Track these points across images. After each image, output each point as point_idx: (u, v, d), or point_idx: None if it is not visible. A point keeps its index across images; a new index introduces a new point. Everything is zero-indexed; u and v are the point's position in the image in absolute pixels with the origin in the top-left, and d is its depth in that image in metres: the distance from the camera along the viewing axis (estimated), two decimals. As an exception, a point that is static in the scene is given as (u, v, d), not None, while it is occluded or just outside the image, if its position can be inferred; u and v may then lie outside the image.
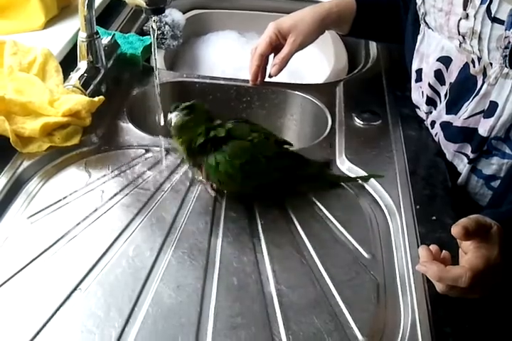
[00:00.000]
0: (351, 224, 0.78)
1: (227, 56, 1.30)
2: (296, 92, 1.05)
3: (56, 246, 0.72)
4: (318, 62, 1.29)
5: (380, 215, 0.80)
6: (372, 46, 1.20)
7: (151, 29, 0.88)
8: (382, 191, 0.82)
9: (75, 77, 0.90)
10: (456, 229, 0.62)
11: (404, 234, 0.75)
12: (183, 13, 1.32)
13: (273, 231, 0.76)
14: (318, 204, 0.81)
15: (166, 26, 1.22)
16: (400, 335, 0.63)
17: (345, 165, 0.87)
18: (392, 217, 0.79)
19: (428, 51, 0.89)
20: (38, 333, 0.62)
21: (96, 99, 0.88)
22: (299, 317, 0.65)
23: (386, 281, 0.71)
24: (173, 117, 0.80)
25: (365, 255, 0.74)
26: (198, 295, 0.67)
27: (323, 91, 1.04)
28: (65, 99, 0.86)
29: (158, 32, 1.21)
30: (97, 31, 0.92)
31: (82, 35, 0.91)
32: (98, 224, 0.76)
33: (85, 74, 0.91)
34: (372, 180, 0.83)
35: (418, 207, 0.79)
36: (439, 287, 0.64)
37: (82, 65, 0.92)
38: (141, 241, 0.74)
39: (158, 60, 1.14)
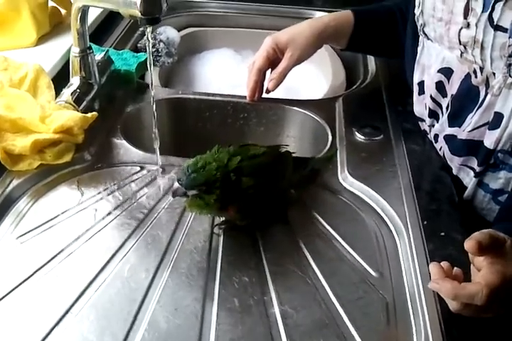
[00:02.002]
0: (356, 242, 0.74)
1: (223, 74, 1.28)
2: (295, 108, 1.02)
3: (47, 267, 0.68)
4: (315, 79, 1.27)
5: (386, 231, 0.77)
6: (371, 61, 1.18)
7: (146, 41, 0.85)
8: (387, 206, 0.79)
9: (67, 92, 0.87)
10: (469, 244, 0.59)
11: (413, 250, 0.72)
12: (178, 31, 1.30)
13: (275, 249, 0.73)
14: (321, 220, 0.78)
15: (161, 43, 1.20)
16: (414, 357, 0.60)
17: (347, 181, 0.84)
18: (399, 233, 0.75)
19: (429, 63, 0.87)
20: (26, 360, 0.57)
21: (89, 115, 0.85)
22: (305, 339, 0.61)
23: (396, 300, 0.67)
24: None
25: (373, 273, 0.70)
26: (198, 318, 0.63)
27: (322, 106, 1.02)
28: (57, 115, 0.83)
29: (153, 49, 1.19)
30: (90, 46, 0.89)
31: (75, 50, 0.88)
32: (91, 244, 0.72)
33: (78, 90, 0.88)
34: (377, 196, 0.80)
35: (425, 222, 0.76)
36: (453, 305, 0.61)
37: (75, 81, 0.90)
38: (136, 261, 0.70)
39: (153, 78, 1.12)
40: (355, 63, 1.26)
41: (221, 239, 0.74)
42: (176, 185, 0.68)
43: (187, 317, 0.63)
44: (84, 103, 0.90)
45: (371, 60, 1.19)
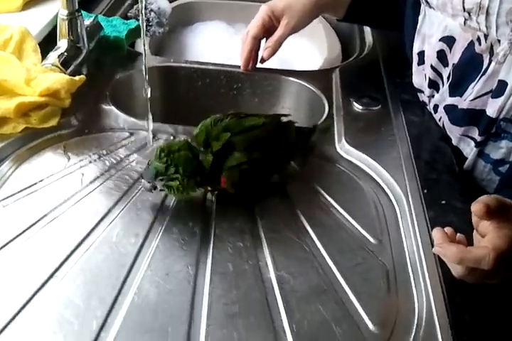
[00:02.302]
0: (355, 210, 0.72)
1: (215, 46, 1.24)
2: (291, 78, 0.99)
3: (31, 230, 0.65)
4: (309, 53, 1.24)
5: (385, 199, 0.74)
6: (368, 35, 1.15)
7: (138, 9, 0.82)
8: (386, 175, 0.76)
9: (53, 55, 0.83)
10: (476, 207, 0.56)
11: (413, 218, 0.69)
12: (170, 2, 1.26)
13: (271, 216, 0.70)
14: (320, 189, 0.75)
15: (152, 13, 1.16)
16: (415, 324, 0.57)
17: (345, 150, 0.81)
18: (398, 201, 0.73)
19: (430, 32, 0.84)
20: (9, 322, 0.54)
21: (76, 78, 0.81)
22: (302, 305, 0.58)
23: (396, 268, 0.64)
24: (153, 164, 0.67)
25: (372, 240, 0.68)
26: (190, 283, 0.60)
27: (318, 77, 0.99)
28: (43, 77, 0.79)
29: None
30: (78, 8, 0.85)
31: (63, 13, 0.84)
32: (77, 208, 0.69)
33: (65, 53, 0.84)
34: (375, 164, 0.78)
35: (425, 191, 0.73)
36: (458, 270, 0.58)
37: (62, 44, 0.86)
38: (125, 226, 0.67)
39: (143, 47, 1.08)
40: (351, 37, 1.23)
41: (214, 205, 0.71)
42: (142, 181, 0.67)
43: (179, 282, 0.60)
44: (72, 67, 0.86)
45: (368, 33, 1.15)
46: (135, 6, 1.19)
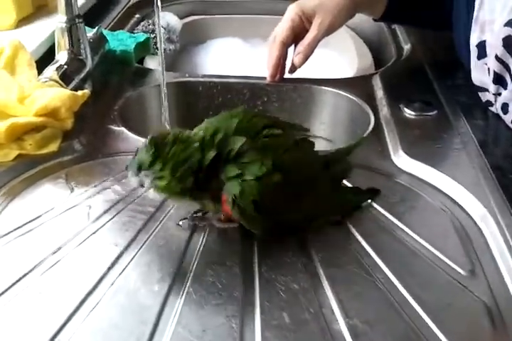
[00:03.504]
0: (431, 234, 0.57)
1: (231, 63, 1.13)
2: (325, 88, 0.86)
3: (27, 278, 0.50)
4: (338, 64, 1.12)
5: (467, 220, 0.59)
6: (404, 39, 1.03)
7: (155, 8, 0.69)
8: (462, 190, 0.62)
9: (51, 68, 0.71)
10: None
11: (508, 240, 0.54)
12: (180, 19, 1.16)
13: (327, 247, 0.55)
14: (380, 209, 0.60)
15: (161, 29, 1.05)
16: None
17: (403, 162, 0.67)
18: (485, 221, 0.58)
19: (491, 17, 0.71)
20: None
21: (79, 92, 0.69)
22: (390, 365, 0.43)
23: (498, 303, 0.49)
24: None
25: (461, 272, 0.52)
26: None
27: (357, 84, 0.87)
28: (39, 94, 0.67)
29: (152, 35, 1.03)
30: (79, 14, 0.73)
31: (61, 19, 0.72)
32: (84, 248, 0.55)
33: (65, 66, 0.72)
34: (445, 177, 0.64)
35: (515, 207, 0.59)
36: None
37: (61, 56, 0.73)
38: (145, 269, 0.52)
39: (152, 65, 0.97)
40: (382, 44, 1.11)
41: (255, 236, 0.57)
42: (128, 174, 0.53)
43: (221, 341, 0.45)
44: (74, 83, 0.73)
45: (404, 38, 1.03)
46: (142, 23, 1.08)
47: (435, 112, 0.76)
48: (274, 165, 0.51)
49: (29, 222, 0.58)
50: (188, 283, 0.51)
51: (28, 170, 0.65)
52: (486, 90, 0.76)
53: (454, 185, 0.63)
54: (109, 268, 0.52)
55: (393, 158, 0.69)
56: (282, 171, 0.51)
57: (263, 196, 0.50)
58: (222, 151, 0.51)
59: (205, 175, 0.51)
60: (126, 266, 0.53)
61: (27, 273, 0.51)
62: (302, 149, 0.57)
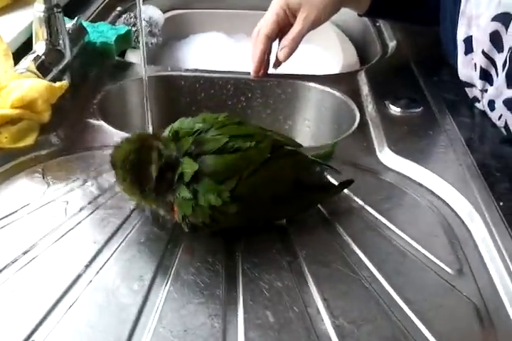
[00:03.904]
0: (418, 232, 0.56)
1: (214, 58, 1.11)
2: (310, 84, 0.85)
3: (0, 276, 0.48)
4: (323, 60, 1.11)
5: (454, 218, 0.59)
6: (389, 36, 1.01)
7: (130, 16, 0.68)
8: (448, 187, 0.61)
9: (29, 58, 0.68)
10: None
11: (495, 238, 0.54)
12: (163, 12, 1.13)
13: (312, 244, 0.54)
14: (368, 208, 0.59)
15: (143, 22, 1.02)
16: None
17: (390, 159, 0.66)
18: (472, 218, 0.57)
19: (478, 11, 0.70)
20: None
21: (57, 84, 0.66)
22: (378, 366, 0.42)
23: (486, 303, 0.48)
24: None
25: (449, 270, 0.52)
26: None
27: (342, 81, 0.85)
28: (15, 85, 0.65)
29: (134, 28, 1.01)
30: (57, 4, 0.71)
31: (39, 8, 0.70)
32: (61, 245, 0.53)
33: (42, 57, 0.69)
34: (432, 175, 0.63)
35: (501, 203, 0.58)
36: None
37: (39, 47, 0.71)
38: (124, 267, 0.51)
39: (134, 58, 0.95)
40: (366, 41, 1.10)
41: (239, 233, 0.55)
42: None
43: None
44: (52, 74, 0.71)
45: (389, 35, 1.02)
46: (124, 15, 1.06)
47: (421, 109, 0.76)
48: (232, 197, 0.49)
49: (4, 217, 0.55)
50: (169, 282, 0.49)
51: (3, 165, 0.62)
52: (473, 86, 0.76)
53: (440, 183, 0.62)
54: (87, 266, 0.50)
55: (379, 155, 0.68)
56: (241, 200, 0.49)
57: (215, 219, 0.50)
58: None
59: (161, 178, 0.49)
60: (105, 264, 0.51)
61: (0, 271, 0.49)
62: (275, 164, 0.52)
